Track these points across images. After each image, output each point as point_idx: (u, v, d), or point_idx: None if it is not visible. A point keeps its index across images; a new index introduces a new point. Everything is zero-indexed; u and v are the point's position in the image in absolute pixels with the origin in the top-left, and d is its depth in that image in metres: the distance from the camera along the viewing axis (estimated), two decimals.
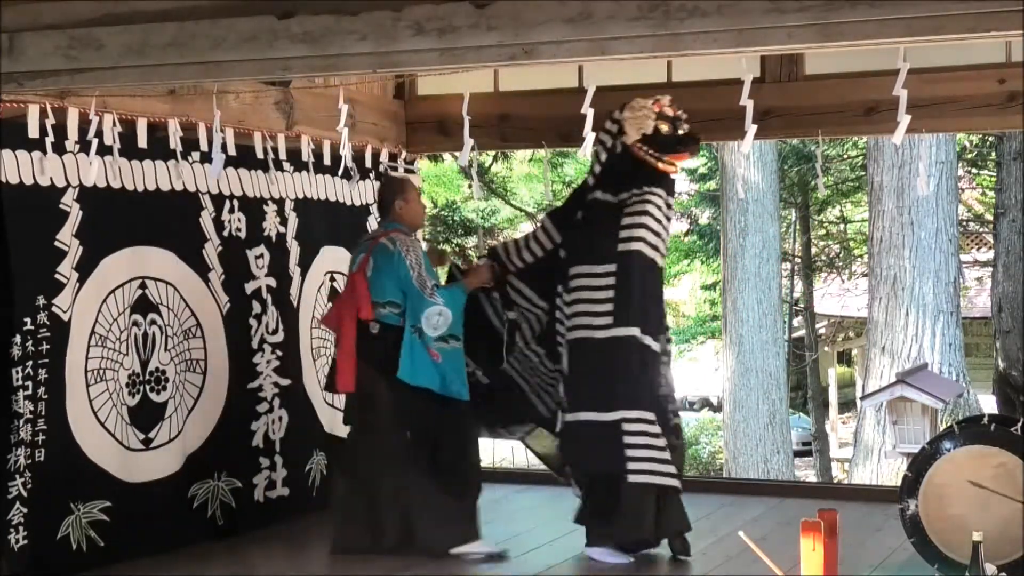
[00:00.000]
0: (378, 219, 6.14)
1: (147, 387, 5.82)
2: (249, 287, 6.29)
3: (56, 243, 5.37)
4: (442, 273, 6.10)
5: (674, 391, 5.75)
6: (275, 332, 6.43)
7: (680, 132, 5.58)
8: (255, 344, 6.31)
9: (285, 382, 6.47)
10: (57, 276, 5.36)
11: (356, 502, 5.73)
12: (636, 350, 5.43)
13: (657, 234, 5.49)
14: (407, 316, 5.55)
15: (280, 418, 6.43)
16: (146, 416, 5.79)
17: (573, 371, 5.52)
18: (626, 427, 5.38)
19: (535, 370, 5.87)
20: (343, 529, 5.78)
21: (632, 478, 5.35)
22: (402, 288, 5.55)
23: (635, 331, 5.40)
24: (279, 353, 6.44)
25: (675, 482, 5.45)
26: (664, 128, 5.54)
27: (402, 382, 5.54)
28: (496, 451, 21.29)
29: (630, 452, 5.37)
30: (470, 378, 5.71)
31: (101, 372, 5.58)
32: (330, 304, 6.46)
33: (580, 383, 5.50)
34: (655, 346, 5.48)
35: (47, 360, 5.30)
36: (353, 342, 5.61)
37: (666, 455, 5.42)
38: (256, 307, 6.32)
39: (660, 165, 5.53)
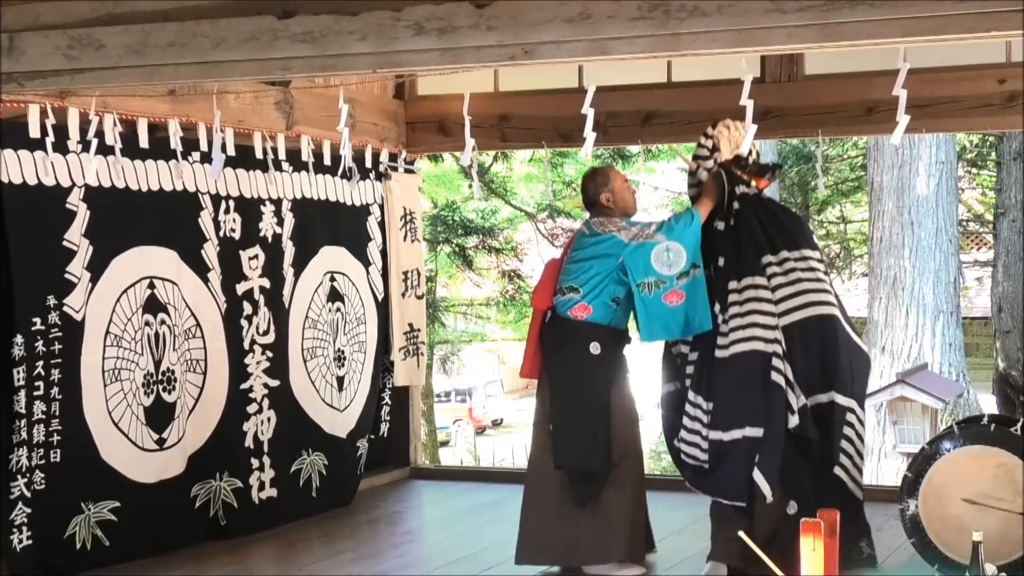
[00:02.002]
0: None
1: (160, 387, 5.83)
2: (241, 288, 6.29)
3: (65, 243, 5.38)
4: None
5: None
6: (266, 333, 6.43)
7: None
8: (246, 345, 6.31)
9: (274, 383, 6.47)
10: (67, 276, 5.37)
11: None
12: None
13: None
14: (631, 278, 5.27)
15: (268, 419, 6.44)
16: (159, 416, 5.82)
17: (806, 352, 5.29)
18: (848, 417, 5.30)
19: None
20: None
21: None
22: (616, 257, 5.31)
23: None
24: (269, 354, 6.44)
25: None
26: (754, 153, 5.58)
27: (556, 376, 5.43)
28: (496, 451, 21.30)
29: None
30: None
31: (117, 372, 5.59)
32: None
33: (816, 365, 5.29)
34: None
35: (60, 360, 5.32)
36: (534, 327, 5.55)
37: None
38: (247, 308, 6.32)
39: (755, 182, 5.51)
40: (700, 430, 5.26)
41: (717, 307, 5.29)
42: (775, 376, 5.13)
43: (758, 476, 5.08)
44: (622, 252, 5.30)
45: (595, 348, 5.37)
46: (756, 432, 5.11)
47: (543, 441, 5.48)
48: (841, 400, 5.28)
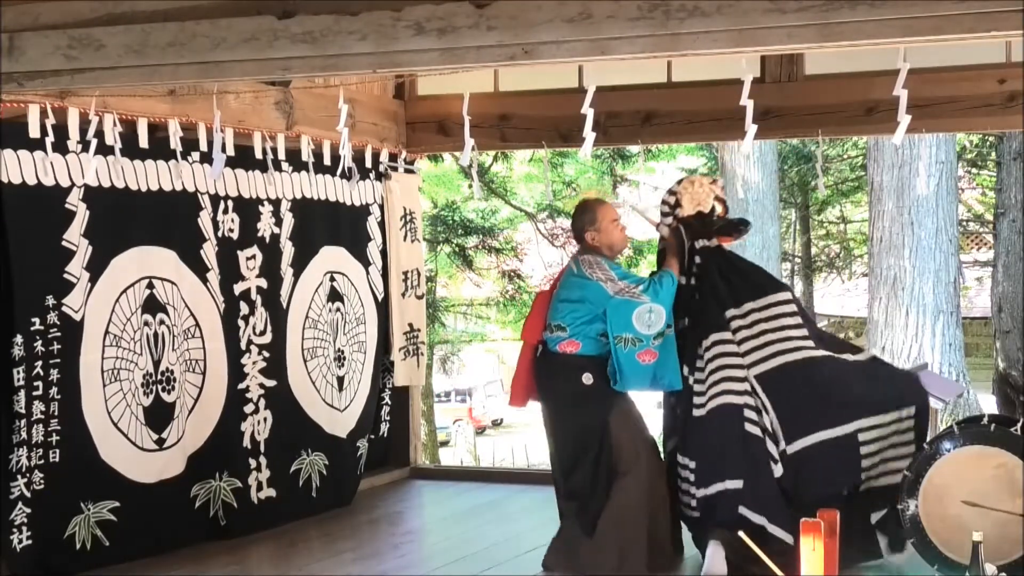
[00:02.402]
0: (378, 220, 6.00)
1: (159, 387, 5.83)
2: (238, 288, 6.29)
3: (64, 243, 5.38)
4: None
5: None
6: (263, 333, 6.42)
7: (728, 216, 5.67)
8: (243, 345, 6.31)
9: (271, 383, 6.47)
10: (66, 276, 5.37)
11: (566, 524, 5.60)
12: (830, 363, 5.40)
13: None
14: (609, 329, 5.33)
15: (265, 419, 6.43)
16: (159, 416, 5.82)
17: (790, 396, 5.32)
18: (862, 436, 5.32)
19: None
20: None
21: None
22: (599, 306, 5.37)
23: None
24: (266, 354, 6.44)
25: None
26: (719, 209, 5.61)
27: (552, 408, 5.54)
28: (496, 451, 21.31)
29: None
30: None
31: (116, 372, 5.59)
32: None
33: (804, 405, 5.31)
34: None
35: (59, 360, 5.31)
36: (524, 360, 5.64)
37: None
38: (244, 308, 6.32)
39: (718, 240, 5.57)
40: (689, 489, 5.37)
41: (686, 369, 5.39)
42: (749, 427, 5.22)
43: (774, 529, 5.12)
44: (606, 304, 5.36)
45: (587, 379, 5.42)
46: (736, 484, 5.19)
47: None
48: (862, 423, 5.30)
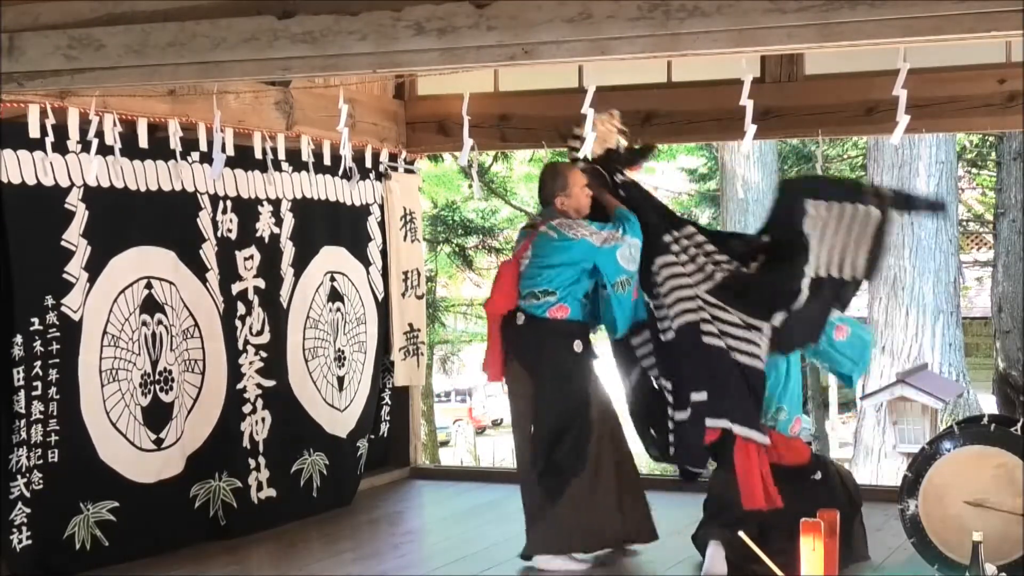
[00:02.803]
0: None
1: (157, 387, 5.83)
2: (235, 288, 6.29)
3: (63, 243, 5.38)
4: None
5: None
6: (260, 333, 6.42)
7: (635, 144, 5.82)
8: (240, 345, 6.31)
9: (269, 383, 6.46)
10: (65, 276, 5.37)
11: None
12: None
13: None
14: (606, 278, 5.43)
15: (263, 419, 6.43)
16: (157, 416, 5.81)
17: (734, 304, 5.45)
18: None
19: None
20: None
21: None
22: (585, 269, 5.45)
23: None
24: (263, 354, 6.43)
25: None
26: (623, 141, 5.75)
27: (545, 376, 5.51)
28: (496, 451, 21.30)
29: None
30: None
31: (114, 372, 5.59)
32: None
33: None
34: None
35: (58, 360, 5.31)
36: (498, 333, 5.58)
37: None
38: (241, 308, 6.31)
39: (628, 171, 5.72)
40: (673, 415, 5.43)
41: (646, 296, 5.48)
42: (708, 339, 5.28)
43: (739, 429, 5.21)
44: (595, 257, 5.41)
45: (578, 346, 5.50)
46: (701, 396, 5.27)
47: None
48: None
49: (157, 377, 5.82)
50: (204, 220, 6.11)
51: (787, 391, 5.41)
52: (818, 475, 5.32)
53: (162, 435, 5.82)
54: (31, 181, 5.23)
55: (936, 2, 3.40)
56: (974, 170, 18.40)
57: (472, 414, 25.57)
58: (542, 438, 5.50)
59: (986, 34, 3.44)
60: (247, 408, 6.33)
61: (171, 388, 5.89)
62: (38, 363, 5.24)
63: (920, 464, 5.13)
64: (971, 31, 3.42)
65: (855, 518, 5.37)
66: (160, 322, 5.85)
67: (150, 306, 5.79)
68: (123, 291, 5.66)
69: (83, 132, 5.35)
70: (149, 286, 5.80)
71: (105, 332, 5.55)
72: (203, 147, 5.91)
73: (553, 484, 5.44)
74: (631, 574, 5.54)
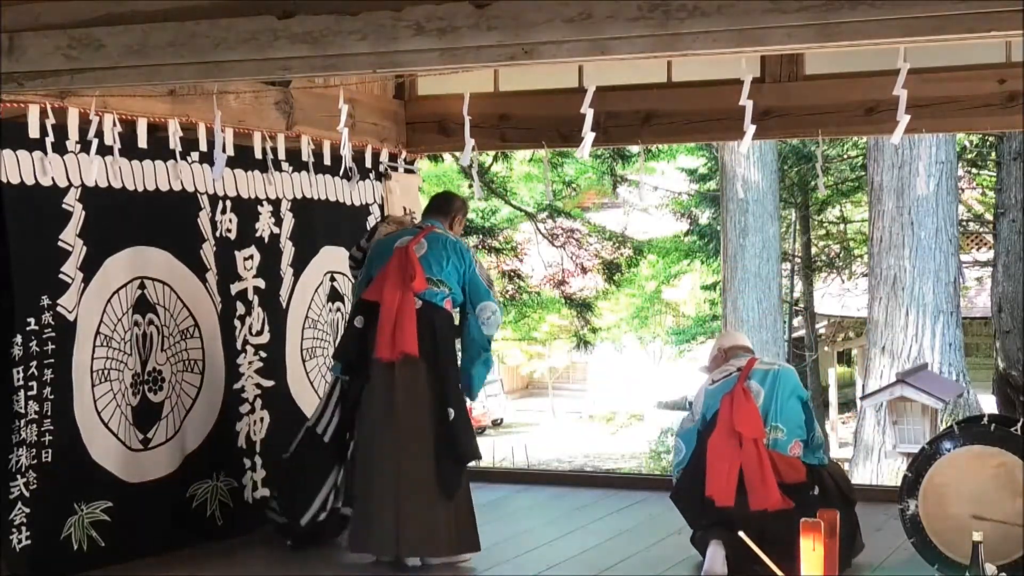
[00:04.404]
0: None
1: (146, 387, 5.83)
2: (234, 288, 6.28)
3: (60, 243, 5.38)
4: None
5: None
6: (259, 333, 6.41)
7: None
8: (239, 345, 6.31)
9: (269, 383, 6.46)
10: (61, 276, 5.37)
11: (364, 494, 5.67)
12: None
13: None
14: (469, 301, 5.69)
15: (261, 419, 6.42)
16: (145, 416, 5.80)
17: None
18: None
19: None
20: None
21: None
22: (463, 275, 5.67)
23: None
24: (262, 354, 6.43)
25: None
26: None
27: (450, 362, 5.62)
28: (496, 451, 21.32)
29: None
30: None
31: (106, 372, 5.59)
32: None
33: None
34: None
35: (52, 360, 5.31)
36: (393, 311, 5.50)
37: None
38: (240, 308, 6.31)
39: None
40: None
41: None
42: None
43: None
44: (473, 280, 5.69)
45: (456, 344, 5.78)
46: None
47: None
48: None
49: (146, 377, 5.82)
50: (204, 220, 6.11)
51: (781, 414, 5.39)
52: (815, 491, 5.31)
53: (150, 435, 5.81)
54: (30, 181, 5.22)
55: (936, 2, 3.40)
56: (974, 170, 18.40)
57: (472, 414, 25.51)
58: (462, 429, 5.66)
59: (986, 34, 3.44)
60: (244, 408, 6.33)
61: (160, 388, 5.89)
62: (34, 363, 5.24)
63: (920, 464, 5.13)
64: (971, 31, 3.42)
65: (850, 514, 5.37)
66: (151, 322, 5.84)
67: (142, 306, 5.79)
68: (116, 292, 5.65)
69: (83, 132, 5.35)
70: (142, 287, 5.80)
71: (98, 332, 5.54)
72: (203, 147, 5.91)
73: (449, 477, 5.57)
74: (631, 574, 5.54)
